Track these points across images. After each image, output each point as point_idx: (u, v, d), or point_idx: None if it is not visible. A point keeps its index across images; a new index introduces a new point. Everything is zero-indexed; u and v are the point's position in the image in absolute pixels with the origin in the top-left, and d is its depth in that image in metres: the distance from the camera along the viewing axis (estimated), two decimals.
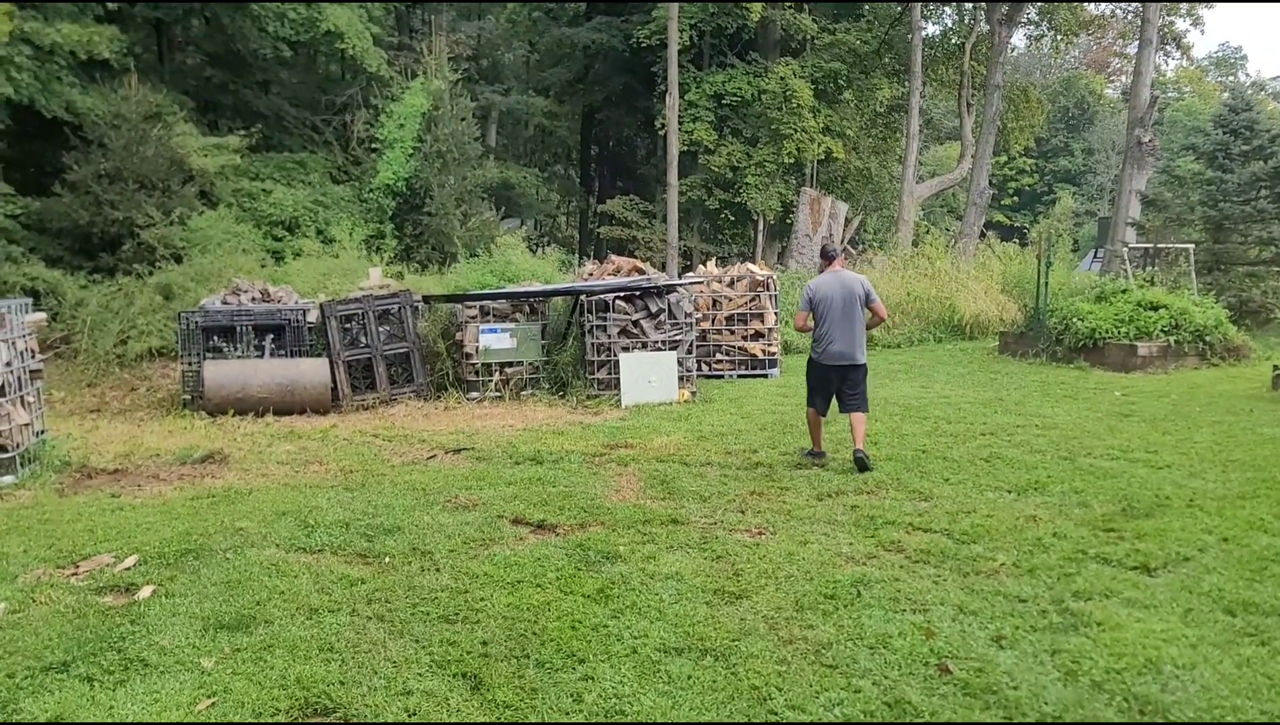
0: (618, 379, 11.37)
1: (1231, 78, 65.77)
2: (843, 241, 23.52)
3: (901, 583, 5.15)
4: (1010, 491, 7.06)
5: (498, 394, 11.69)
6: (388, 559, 5.62)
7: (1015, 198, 50.42)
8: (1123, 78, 65.29)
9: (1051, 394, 11.56)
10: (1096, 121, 54.11)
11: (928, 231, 25.39)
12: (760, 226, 26.82)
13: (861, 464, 7.61)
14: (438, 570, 5.43)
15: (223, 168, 16.99)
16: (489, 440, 9.18)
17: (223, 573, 5.39)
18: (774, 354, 13.99)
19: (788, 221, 25.58)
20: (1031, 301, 15.38)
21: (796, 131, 24.16)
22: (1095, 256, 30.48)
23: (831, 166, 27.29)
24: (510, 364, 11.87)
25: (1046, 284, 14.53)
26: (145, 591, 5.16)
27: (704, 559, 5.58)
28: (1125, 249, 17.62)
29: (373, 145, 20.31)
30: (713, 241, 28.20)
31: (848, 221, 23.97)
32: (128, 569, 5.53)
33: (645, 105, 29.60)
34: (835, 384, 8.00)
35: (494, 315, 11.90)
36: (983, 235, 24.56)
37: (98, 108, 15.80)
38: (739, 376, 13.80)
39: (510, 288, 13.54)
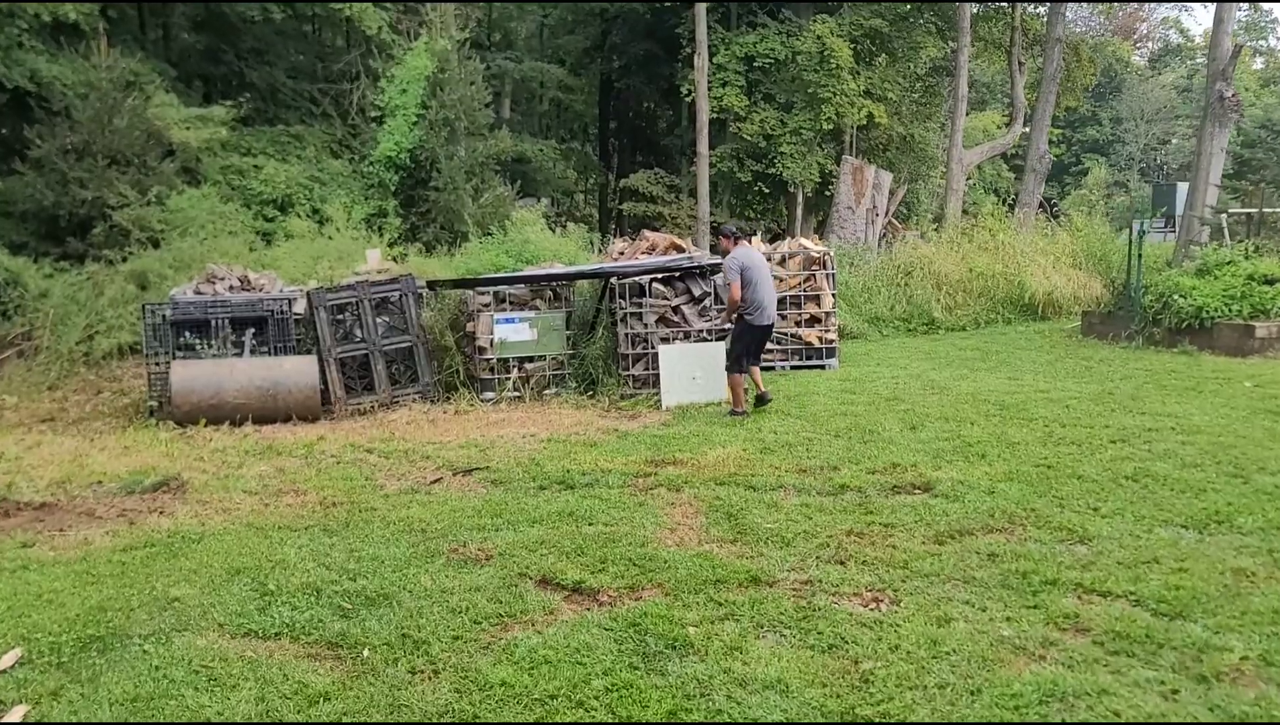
0: (656, 375, 9.80)
1: (1262, 41, 63.44)
2: (887, 214, 21.65)
3: (1117, 698, 3.54)
4: (1186, 526, 5.46)
5: (516, 394, 10.10)
6: (366, 653, 4.09)
7: None
8: (1150, 44, 62.97)
9: (1168, 386, 9.81)
10: (1124, 89, 51.69)
11: (989, 200, 23.40)
12: (798, 199, 24.90)
13: (763, 399, 8.98)
14: (435, 674, 3.89)
15: (208, 141, 15.32)
16: (507, 455, 7.65)
17: (131, 681, 3.88)
18: (832, 342, 12.21)
19: (825, 193, 23.70)
20: (1117, 276, 13.52)
21: (836, 95, 22.19)
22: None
23: (872, 134, 25.32)
24: (530, 359, 10.32)
25: (1140, 256, 12.69)
26: (14, 716, 3.61)
27: (809, 650, 4.02)
28: (1224, 217, 15.66)
29: (374, 115, 18.53)
30: (742, 216, 26.33)
31: (892, 192, 22.07)
32: (3, 673, 3.96)
33: (668, 72, 27.73)
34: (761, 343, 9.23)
35: (511, 302, 10.36)
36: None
37: (66, 76, 14.14)
38: (792, 367, 12.04)
39: (529, 270, 11.93)
